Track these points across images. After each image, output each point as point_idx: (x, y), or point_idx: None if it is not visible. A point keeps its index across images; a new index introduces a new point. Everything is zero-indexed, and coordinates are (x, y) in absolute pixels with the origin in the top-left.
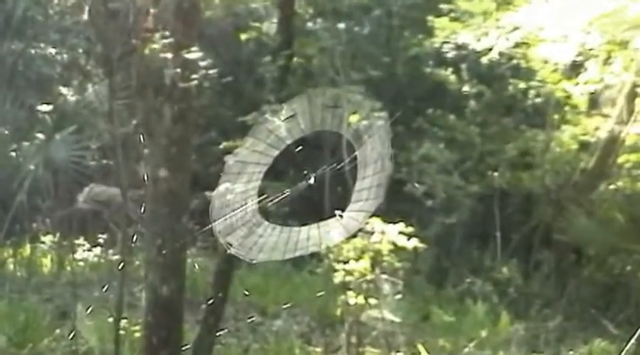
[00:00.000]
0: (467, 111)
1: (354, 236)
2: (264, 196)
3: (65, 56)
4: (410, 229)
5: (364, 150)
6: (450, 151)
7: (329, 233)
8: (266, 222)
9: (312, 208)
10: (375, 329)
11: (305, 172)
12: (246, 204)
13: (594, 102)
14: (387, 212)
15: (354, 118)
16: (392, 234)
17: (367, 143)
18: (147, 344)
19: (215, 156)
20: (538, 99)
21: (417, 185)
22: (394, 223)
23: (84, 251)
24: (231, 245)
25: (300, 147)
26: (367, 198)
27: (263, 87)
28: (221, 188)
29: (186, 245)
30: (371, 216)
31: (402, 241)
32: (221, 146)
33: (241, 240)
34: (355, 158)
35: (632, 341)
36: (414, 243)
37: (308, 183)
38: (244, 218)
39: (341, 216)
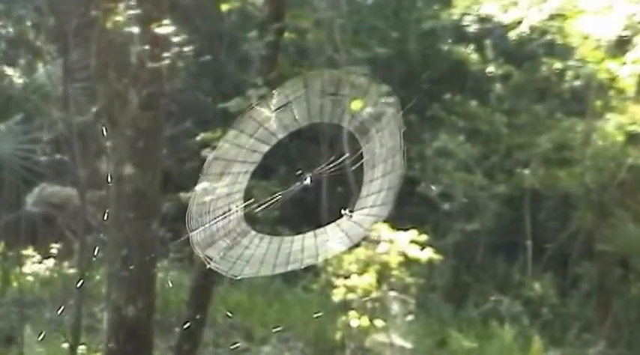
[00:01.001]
0: (492, 97)
1: (357, 245)
2: (251, 200)
3: (11, 30)
4: (424, 237)
5: (371, 146)
6: (472, 144)
7: (327, 242)
8: (253, 231)
9: (307, 213)
10: None
11: (299, 171)
12: (229, 209)
13: None
14: (397, 217)
15: (357, 106)
16: (402, 244)
17: (375, 137)
18: None
19: (191, 151)
20: (577, 82)
21: (432, 186)
22: (405, 230)
23: (33, 263)
24: (211, 259)
25: (294, 141)
26: (374, 203)
27: (248, 67)
28: (199, 189)
29: (157, 257)
30: (377, 222)
31: (415, 252)
32: (198, 138)
33: (223, 252)
34: (360, 155)
35: None
36: (429, 254)
37: (303, 185)
38: (227, 226)
39: (350, 215)
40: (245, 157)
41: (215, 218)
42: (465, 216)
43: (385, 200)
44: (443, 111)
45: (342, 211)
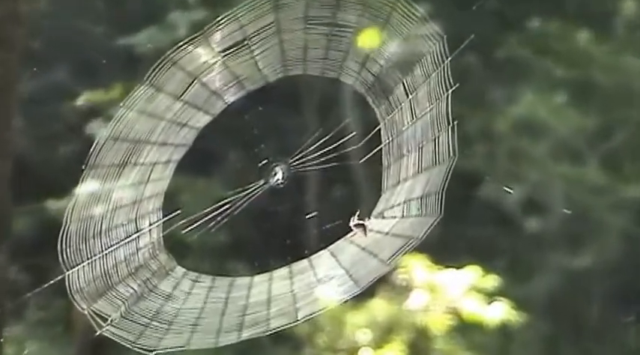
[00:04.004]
0: (616, 23)
1: (371, 294)
2: (177, 212)
3: None
4: (492, 281)
5: (397, 119)
6: (581, 110)
7: (315, 288)
8: (180, 268)
9: (278, 236)
10: None
11: (264, 160)
12: (137, 229)
13: None
14: (442, 243)
15: (370, 43)
16: (453, 292)
17: (403, 103)
18: None
19: (67, 124)
20: None
21: (506, 186)
22: (457, 268)
23: None
24: (104, 319)
25: (255, 109)
26: (403, 215)
27: None
28: (83, 194)
29: (5, 316)
30: (407, 251)
31: (476, 308)
32: (80, 101)
33: (126, 306)
34: (377, 134)
35: None
36: (503, 311)
37: (271, 184)
38: (134, 260)
39: (361, 227)
40: (166, 136)
41: (112, 245)
42: (569, 242)
43: (422, 210)
44: (525, 51)
45: (351, 222)
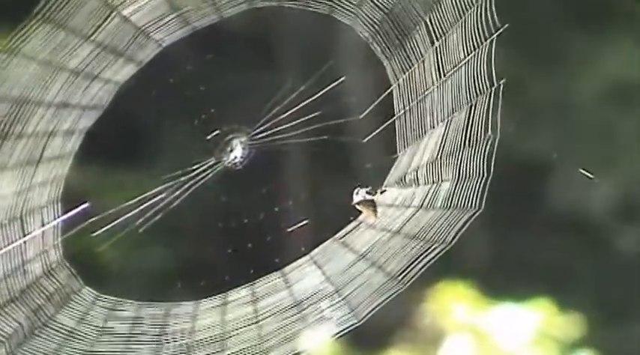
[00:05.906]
0: None
1: (385, 341)
2: (84, 204)
3: None
4: (570, 323)
5: (416, 79)
6: None
7: (292, 318)
8: (88, 291)
9: (233, 240)
10: None
11: (215, 131)
12: (24, 230)
13: None
14: (496, 263)
15: None
16: (510, 340)
17: (426, 53)
18: None
19: None
20: None
21: (585, 172)
22: (517, 302)
23: None
24: None
25: (204, 57)
26: (427, 202)
27: None
28: None
29: None
30: (428, 263)
31: None
32: None
33: (10, 347)
34: (387, 99)
35: None
36: None
37: (224, 164)
38: (19, 277)
39: (370, 204)
40: (68, 94)
41: None
42: None
43: (452, 201)
44: None
45: (355, 192)
